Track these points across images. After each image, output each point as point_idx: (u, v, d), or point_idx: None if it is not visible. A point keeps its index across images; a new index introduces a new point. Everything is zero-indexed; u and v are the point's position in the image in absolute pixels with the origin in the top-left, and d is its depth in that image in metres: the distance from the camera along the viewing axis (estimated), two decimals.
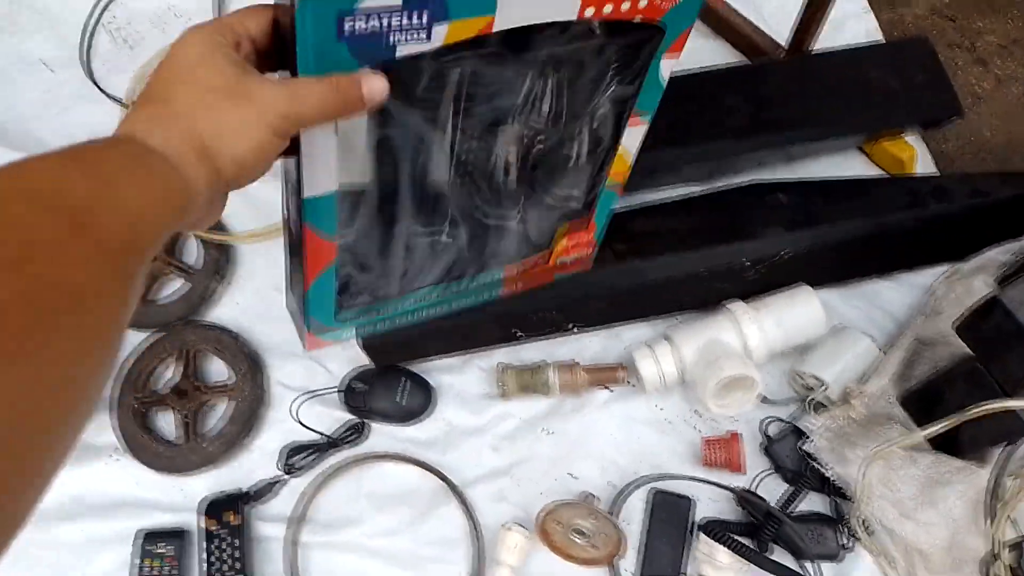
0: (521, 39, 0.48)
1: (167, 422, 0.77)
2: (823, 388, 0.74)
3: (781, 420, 0.77)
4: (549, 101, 0.56)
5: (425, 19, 0.41)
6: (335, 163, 0.47)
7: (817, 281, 0.79)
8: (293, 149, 0.44)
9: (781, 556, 0.69)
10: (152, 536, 0.71)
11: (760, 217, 0.80)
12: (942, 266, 0.82)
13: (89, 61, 0.96)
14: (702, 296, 0.80)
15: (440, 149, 0.55)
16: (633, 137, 0.61)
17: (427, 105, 0.51)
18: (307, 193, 0.48)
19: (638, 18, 0.49)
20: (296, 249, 0.55)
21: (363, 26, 0.40)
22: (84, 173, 0.30)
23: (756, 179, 0.86)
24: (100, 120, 0.92)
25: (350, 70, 0.41)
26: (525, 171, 0.60)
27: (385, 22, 0.40)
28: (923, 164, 0.91)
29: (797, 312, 0.76)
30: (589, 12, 0.46)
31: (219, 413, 0.77)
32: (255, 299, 0.82)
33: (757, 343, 0.75)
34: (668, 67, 0.55)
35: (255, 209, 0.84)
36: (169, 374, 0.79)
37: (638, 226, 0.79)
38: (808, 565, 0.69)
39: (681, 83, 0.82)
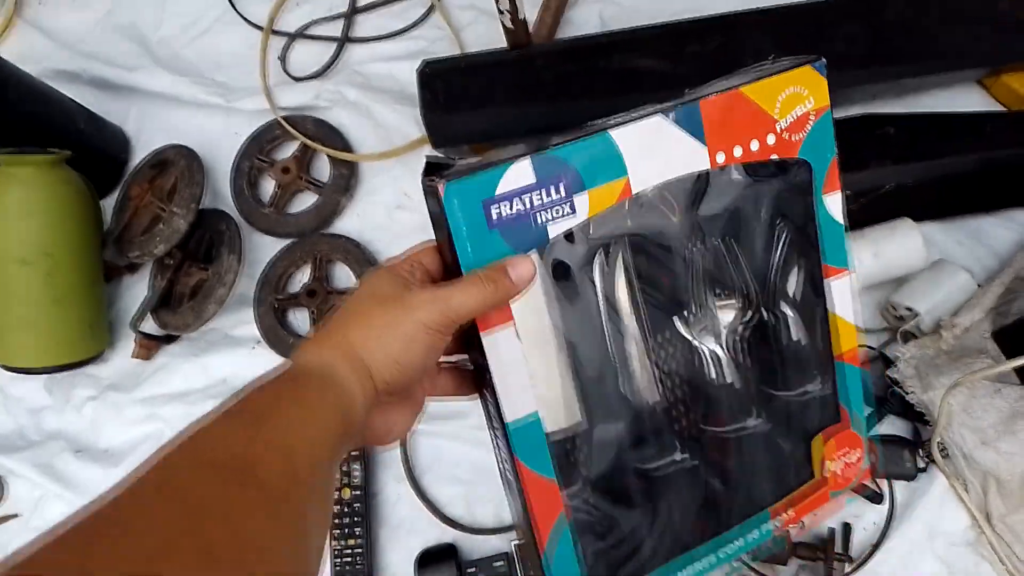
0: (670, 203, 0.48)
1: (300, 318, 0.87)
2: (915, 319, 0.76)
3: (870, 348, 0.79)
4: (728, 272, 0.53)
5: (563, 191, 0.42)
6: (526, 377, 0.44)
7: (921, 215, 0.80)
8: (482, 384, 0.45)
9: None
10: None
11: (866, 149, 0.80)
12: None
13: None
14: None
15: (636, 356, 0.51)
16: (842, 295, 0.54)
17: (604, 301, 0.49)
18: (509, 418, 0.45)
19: (773, 156, 0.48)
20: (522, 507, 0.48)
21: (508, 210, 0.41)
22: (247, 427, 0.33)
23: (866, 112, 0.86)
24: (238, 44, 1.01)
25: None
26: (742, 366, 0.54)
27: (527, 202, 0.41)
28: None
29: (896, 244, 0.77)
30: (720, 159, 0.46)
31: None
32: (377, 213, 0.90)
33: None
34: (836, 205, 0.52)
35: (379, 131, 0.91)
36: (302, 277, 0.88)
37: None
38: (883, 482, 0.73)
39: (798, 11, 0.83)
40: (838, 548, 0.71)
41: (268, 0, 1.01)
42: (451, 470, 0.80)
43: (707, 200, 0.50)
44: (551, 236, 0.43)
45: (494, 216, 0.41)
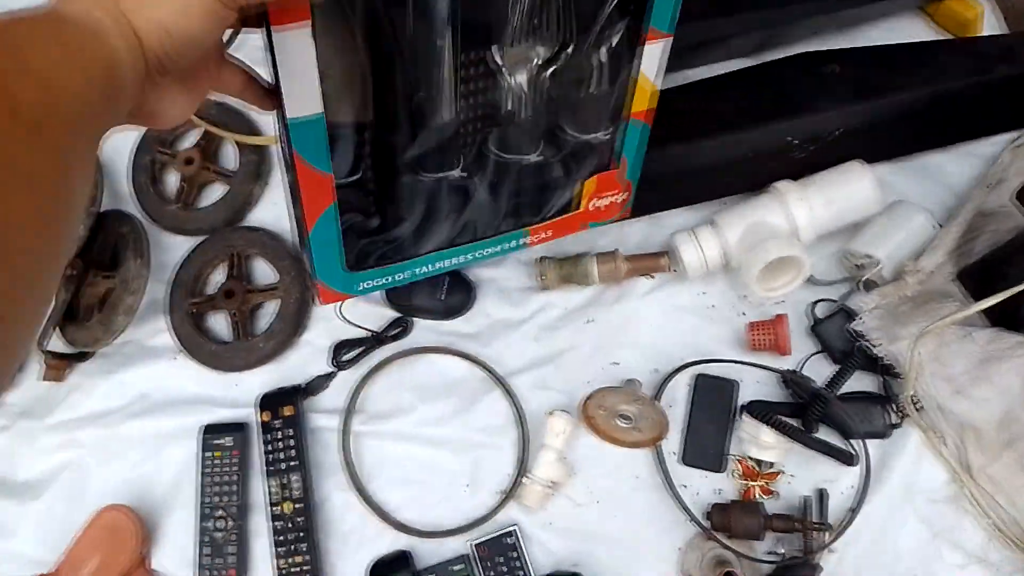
0: None
1: (220, 322, 0.80)
2: (876, 266, 0.71)
3: (831, 301, 0.75)
4: (554, 16, 0.52)
5: None
6: (316, 79, 0.45)
7: (872, 157, 0.75)
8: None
9: (827, 435, 0.69)
10: (213, 430, 0.75)
11: (810, 91, 0.76)
12: (1008, 134, 0.77)
13: None
14: (749, 179, 0.77)
15: (440, 76, 0.52)
16: (652, 59, 0.56)
17: (419, 15, 0.48)
18: (290, 114, 0.46)
19: None
20: (294, 188, 0.53)
21: None
22: None
23: (807, 50, 0.81)
24: None
25: None
26: (540, 104, 0.57)
27: None
28: (991, 23, 0.83)
29: (849, 189, 0.73)
30: None
31: (269, 312, 0.79)
32: None
33: (805, 223, 0.72)
34: None
35: None
36: (218, 277, 0.81)
37: (679, 106, 0.75)
38: (855, 443, 0.69)
39: None
40: (814, 517, 0.67)
41: None
42: (399, 471, 0.74)
43: None
44: None
45: None
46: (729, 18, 0.76)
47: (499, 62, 0.53)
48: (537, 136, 0.60)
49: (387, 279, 0.64)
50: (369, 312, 0.78)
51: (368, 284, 0.64)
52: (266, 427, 0.74)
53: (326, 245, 0.57)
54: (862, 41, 0.82)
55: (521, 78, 0.54)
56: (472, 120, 0.57)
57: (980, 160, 0.78)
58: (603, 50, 0.55)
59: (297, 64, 0.43)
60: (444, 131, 0.56)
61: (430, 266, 0.65)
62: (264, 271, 0.81)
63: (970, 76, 0.75)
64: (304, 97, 0.45)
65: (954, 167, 0.78)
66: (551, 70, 0.55)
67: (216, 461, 0.75)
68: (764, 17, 0.77)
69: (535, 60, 0.54)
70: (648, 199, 0.76)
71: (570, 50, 0.54)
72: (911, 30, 0.84)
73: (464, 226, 0.63)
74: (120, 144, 0.86)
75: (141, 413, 0.78)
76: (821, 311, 0.74)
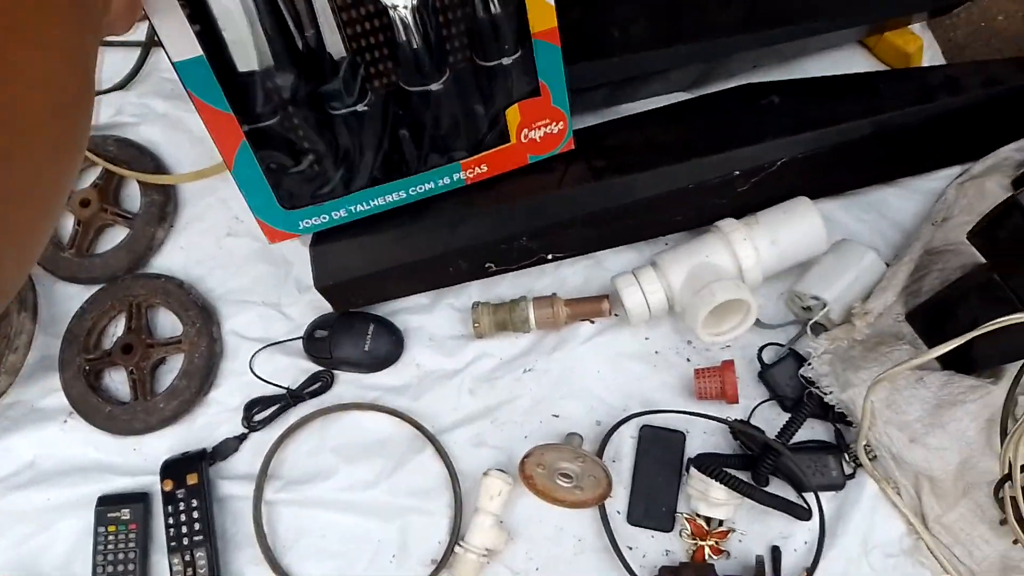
0: None
1: (119, 380, 0.72)
2: (823, 308, 0.68)
3: (779, 345, 0.71)
4: None
5: None
6: (187, 25, 0.47)
7: (817, 192, 0.72)
8: None
9: (780, 488, 0.65)
10: (109, 501, 0.67)
11: (751, 122, 0.72)
12: (953, 169, 0.75)
13: None
14: (692, 214, 0.73)
15: (324, 10, 0.54)
16: None
17: None
18: (174, 57, 0.48)
19: None
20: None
21: None
22: None
23: (747, 82, 0.78)
24: None
25: None
26: (431, 31, 0.57)
27: None
28: (931, 56, 0.82)
29: (795, 228, 0.70)
30: None
31: (173, 368, 0.72)
32: (203, 243, 0.76)
33: (751, 264, 0.68)
34: None
35: (196, 146, 0.77)
36: (116, 330, 0.73)
37: (616, 139, 0.72)
38: (809, 496, 0.65)
39: None
40: None
41: None
42: (318, 543, 0.67)
43: None
44: None
45: None
46: (668, 50, 0.73)
47: None
48: (438, 64, 0.60)
49: (324, 217, 0.65)
50: (286, 366, 0.72)
51: (308, 223, 0.65)
52: (169, 497, 0.66)
53: (251, 182, 0.59)
54: (802, 74, 0.80)
55: (403, 7, 0.55)
56: (367, 52, 0.59)
57: (925, 196, 0.76)
58: None
59: (166, 11, 0.46)
60: (338, 66, 0.58)
61: (366, 203, 0.65)
62: (167, 323, 0.74)
63: (912, 105, 0.73)
64: (181, 41, 0.48)
65: (900, 203, 0.76)
66: None
67: (112, 536, 0.67)
68: (703, 50, 0.74)
69: None
70: (587, 236, 0.72)
71: None
72: (851, 64, 0.82)
73: (389, 161, 0.65)
74: None
75: (28, 483, 0.70)
76: (768, 356, 0.71)
